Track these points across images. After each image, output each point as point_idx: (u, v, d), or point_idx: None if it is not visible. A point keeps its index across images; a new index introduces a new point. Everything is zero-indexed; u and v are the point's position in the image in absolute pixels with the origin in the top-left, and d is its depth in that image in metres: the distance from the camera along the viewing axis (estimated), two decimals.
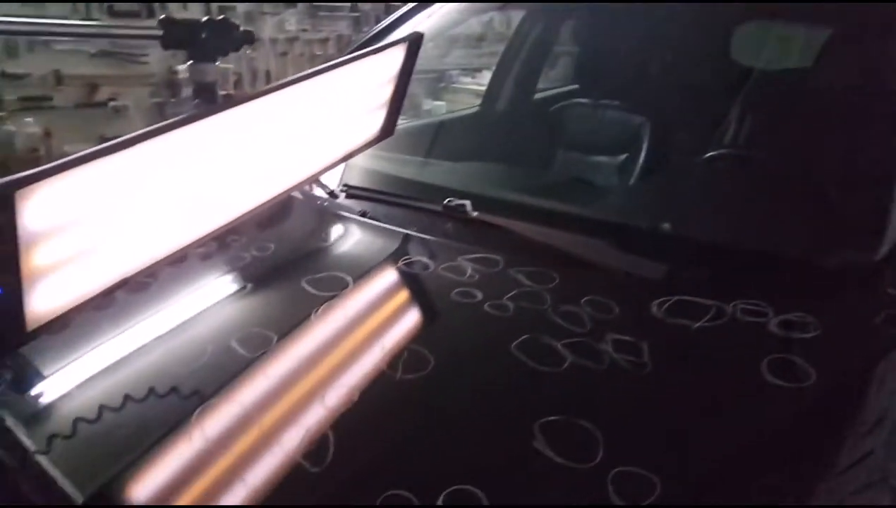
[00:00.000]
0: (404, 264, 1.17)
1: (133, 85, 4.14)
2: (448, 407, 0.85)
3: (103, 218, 0.90)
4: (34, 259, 0.83)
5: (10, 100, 3.52)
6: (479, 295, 1.06)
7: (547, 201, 1.40)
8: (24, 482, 0.83)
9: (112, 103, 4.00)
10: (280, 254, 1.25)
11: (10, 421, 0.88)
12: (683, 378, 0.90)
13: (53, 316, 0.90)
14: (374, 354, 0.93)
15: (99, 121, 3.85)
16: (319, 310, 1.03)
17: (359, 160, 1.74)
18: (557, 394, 0.87)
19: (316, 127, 1.20)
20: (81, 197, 0.85)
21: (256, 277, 1.16)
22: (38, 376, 0.96)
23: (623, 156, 1.72)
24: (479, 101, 2.67)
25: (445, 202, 1.37)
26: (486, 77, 4.44)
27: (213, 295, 1.12)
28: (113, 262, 0.97)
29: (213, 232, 1.07)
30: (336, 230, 1.34)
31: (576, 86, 2.26)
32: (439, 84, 4.33)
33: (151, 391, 0.88)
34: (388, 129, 1.44)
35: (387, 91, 1.37)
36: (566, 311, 1.01)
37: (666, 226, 1.25)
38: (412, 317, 1.05)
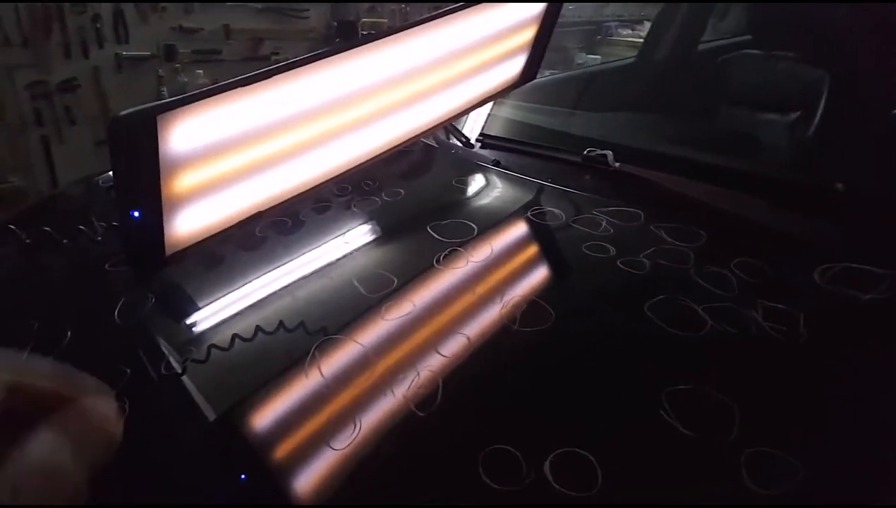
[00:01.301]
0: (533, 214, 1.10)
1: (294, 39, 4.32)
2: (566, 365, 0.79)
3: (242, 149, 0.90)
4: (174, 184, 0.84)
5: (183, 53, 3.79)
6: (612, 250, 0.97)
7: (699, 154, 1.26)
8: (161, 397, 0.88)
9: (274, 56, 4.20)
10: (409, 200, 1.23)
11: (152, 341, 0.93)
12: (843, 355, 0.78)
13: (191, 242, 0.92)
14: (492, 304, 0.88)
15: None
16: (442, 257, 0.99)
17: (500, 110, 1.70)
18: (692, 362, 0.77)
19: (454, 67, 1.15)
20: (222, 126, 0.86)
21: (384, 222, 1.15)
22: (182, 303, 1.00)
23: (795, 112, 1.52)
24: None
25: (585, 152, 1.28)
26: (646, 29, 4.18)
27: (342, 239, 1.12)
28: (249, 194, 0.97)
29: (347, 171, 1.06)
30: (467, 178, 1.29)
31: (748, 37, 2.04)
32: (595, 36, 4.13)
33: (281, 324, 0.89)
34: (529, 74, 1.36)
35: (529, 32, 1.29)
36: (711, 272, 0.90)
37: (838, 185, 1.08)
38: (536, 269, 0.99)
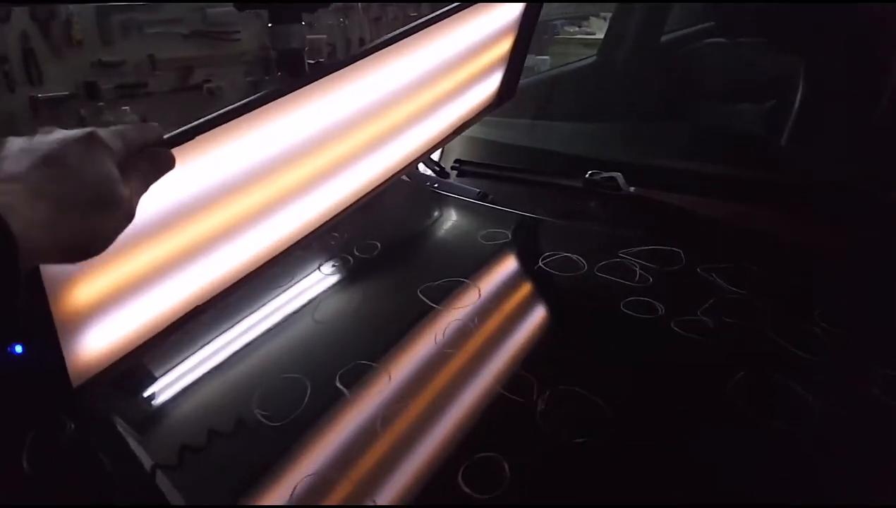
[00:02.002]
0: (546, 263, 0.89)
1: (227, 65, 4.03)
2: (642, 489, 0.57)
3: (162, 232, 0.67)
4: (70, 296, 0.60)
5: (106, 89, 3.46)
6: (661, 308, 0.77)
7: (721, 166, 1.07)
8: None
9: (207, 85, 3.90)
10: (389, 256, 1.00)
11: None
12: None
13: (108, 364, 0.68)
14: (524, 404, 0.66)
15: (195, 105, 3.76)
16: (443, 333, 0.77)
17: (470, 130, 1.48)
18: (816, 475, 0.57)
19: (421, 94, 0.92)
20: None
21: (361, 288, 0.92)
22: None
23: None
24: (591, 52, 2.32)
25: (588, 175, 1.07)
26: (595, 24, 4.03)
27: (311, 315, 0.88)
28: (179, 288, 0.73)
29: (306, 236, 0.83)
30: (453, 221, 1.06)
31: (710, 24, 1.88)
32: (542, 36, 3.95)
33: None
34: (507, 91, 1.15)
35: (504, 46, 1.07)
36: (793, 328, 0.70)
37: None
38: (569, 343, 0.77)
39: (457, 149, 1.37)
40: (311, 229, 0.83)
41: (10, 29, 3.08)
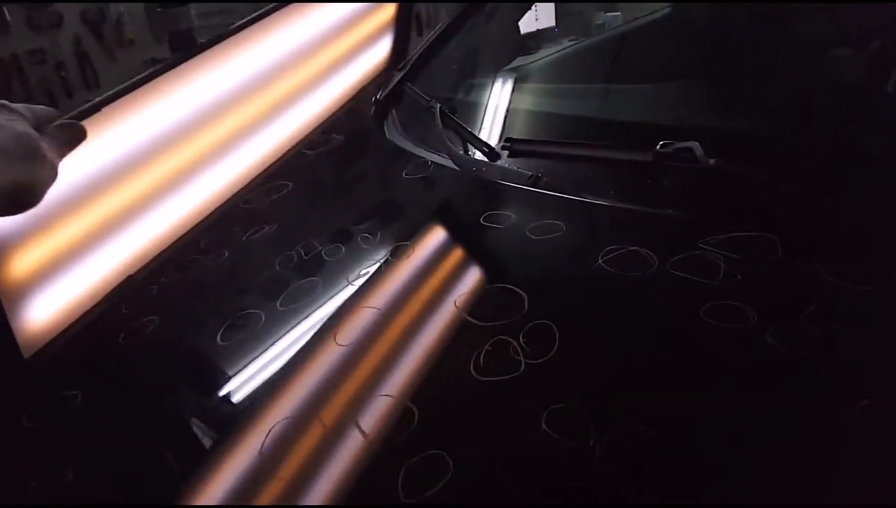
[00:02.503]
0: (607, 261, 0.73)
1: None
2: None
3: (88, 201, 0.77)
4: (9, 267, 0.68)
5: None
6: (753, 315, 0.61)
7: (835, 134, 0.88)
8: None
9: None
10: (425, 259, 0.87)
11: None
12: None
13: (55, 334, 0.76)
14: (559, 442, 0.52)
15: None
16: (482, 356, 0.64)
17: (521, 100, 1.33)
18: None
19: (311, 61, 0.94)
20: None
21: (388, 299, 0.80)
22: None
23: None
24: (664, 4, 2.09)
25: (659, 147, 0.91)
26: None
27: (332, 337, 0.77)
28: (110, 256, 0.83)
29: (223, 204, 0.96)
30: (501, 211, 0.92)
31: None
32: None
33: None
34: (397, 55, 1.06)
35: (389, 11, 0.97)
36: None
37: None
38: (628, 367, 0.61)
39: (510, 125, 1.23)
40: (226, 198, 0.97)
41: (63, 33, 3.11)
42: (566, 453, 0.53)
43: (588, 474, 0.51)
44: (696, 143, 0.88)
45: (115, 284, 0.81)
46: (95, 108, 0.67)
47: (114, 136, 0.74)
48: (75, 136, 0.60)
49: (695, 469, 0.50)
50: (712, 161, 0.85)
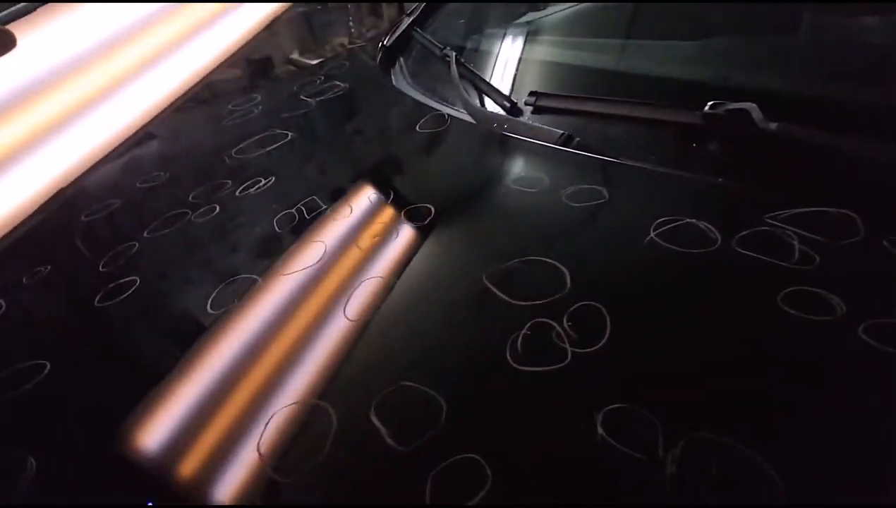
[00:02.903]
0: (659, 235, 0.64)
1: None
2: None
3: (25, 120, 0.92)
4: None
5: None
6: (841, 306, 0.52)
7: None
8: None
9: None
10: (447, 225, 0.77)
11: None
12: None
13: None
14: (624, 454, 0.44)
15: None
16: (520, 340, 0.55)
17: (538, 50, 1.22)
18: None
19: None
20: None
21: (407, 272, 0.70)
22: None
23: None
24: None
25: (709, 107, 0.81)
26: None
27: (340, 308, 0.67)
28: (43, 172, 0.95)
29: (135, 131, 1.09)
30: (530, 174, 0.82)
31: None
32: None
33: None
34: None
35: None
36: None
37: None
38: (695, 363, 0.52)
39: (533, 79, 1.12)
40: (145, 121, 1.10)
41: None
42: (630, 466, 0.44)
43: (658, 492, 0.42)
44: (754, 105, 0.78)
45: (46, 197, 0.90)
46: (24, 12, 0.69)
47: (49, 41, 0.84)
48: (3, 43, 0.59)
49: (785, 489, 0.42)
50: (773, 125, 0.75)
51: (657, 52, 1.13)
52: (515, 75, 1.15)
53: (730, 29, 1.08)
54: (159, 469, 0.55)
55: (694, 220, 0.64)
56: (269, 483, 0.50)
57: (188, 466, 0.54)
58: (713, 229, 0.62)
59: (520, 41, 1.26)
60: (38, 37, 0.82)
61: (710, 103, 0.81)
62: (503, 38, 1.28)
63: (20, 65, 0.83)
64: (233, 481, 0.52)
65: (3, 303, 0.83)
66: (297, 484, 0.50)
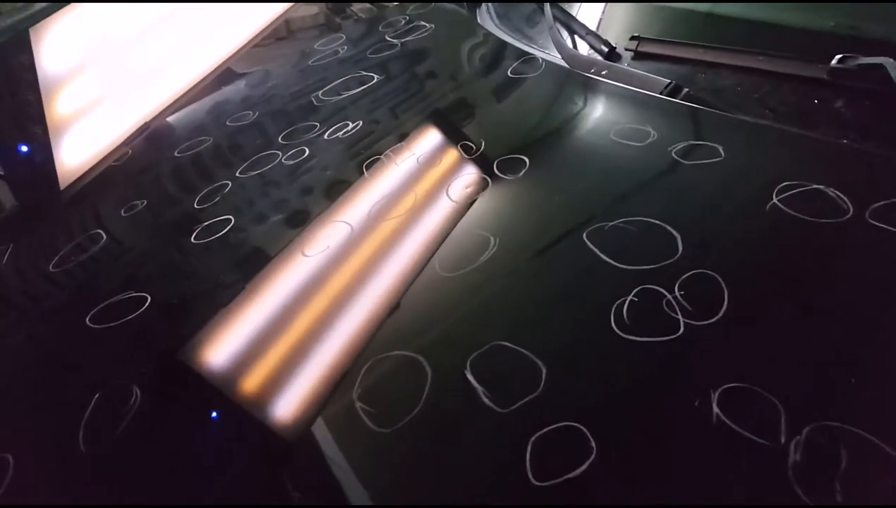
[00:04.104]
0: (783, 200, 0.59)
1: None
2: None
3: (114, 56, 0.91)
4: (57, 107, 0.80)
5: None
6: None
7: None
8: None
9: None
10: (540, 180, 0.74)
11: None
12: None
13: (84, 170, 0.88)
14: (747, 438, 0.41)
15: None
16: (626, 306, 0.52)
17: None
18: None
19: None
20: (92, 34, 0.85)
21: (500, 225, 0.68)
22: None
23: None
24: None
25: (835, 62, 0.74)
26: None
27: (433, 264, 0.66)
28: (131, 105, 0.99)
29: (217, 67, 1.18)
30: (633, 126, 0.77)
31: None
32: None
33: None
34: None
35: None
36: None
37: None
38: (826, 343, 0.48)
39: (634, 22, 1.05)
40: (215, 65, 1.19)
41: None
42: (749, 450, 0.41)
43: (781, 481, 0.40)
44: (890, 59, 0.71)
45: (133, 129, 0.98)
46: None
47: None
48: None
49: None
50: None
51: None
52: (606, 15, 1.09)
53: None
54: (258, 407, 0.56)
55: (822, 187, 0.59)
56: (365, 431, 0.50)
57: (283, 401, 0.55)
58: (844, 198, 0.57)
59: None
60: None
61: (838, 56, 0.74)
62: None
63: (115, 14, 0.85)
64: (329, 425, 0.52)
65: (103, 234, 0.85)
66: (393, 435, 0.49)
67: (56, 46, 0.74)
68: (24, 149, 0.77)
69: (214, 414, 0.58)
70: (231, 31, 1.32)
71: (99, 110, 0.90)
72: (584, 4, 1.15)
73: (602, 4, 1.13)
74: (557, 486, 0.43)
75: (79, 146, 0.88)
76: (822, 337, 0.48)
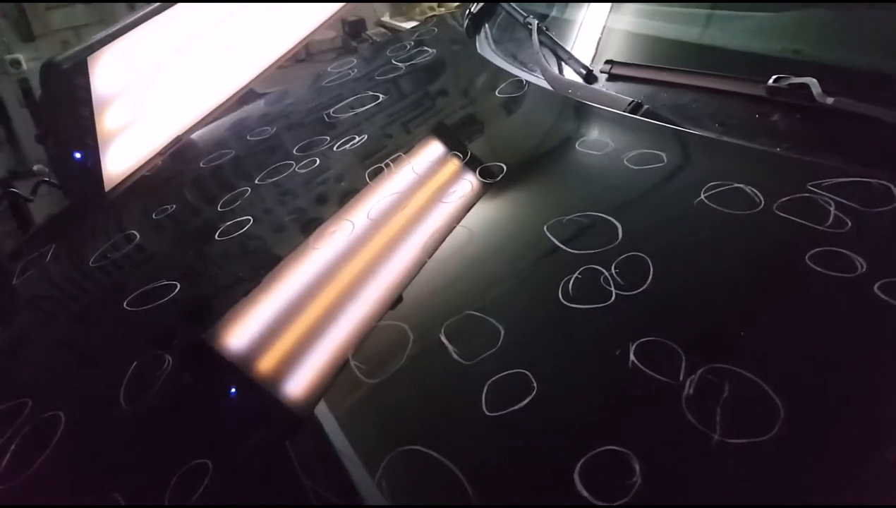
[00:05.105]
0: (709, 196, 0.71)
1: None
2: None
3: (153, 80, 1.08)
4: (106, 122, 0.96)
5: None
6: (861, 264, 0.58)
7: None
8: None
9: None
10: (514, 182, 0.86)
11: None
12: None
13: (125, 176, 1.05)
14: (648, 375, 0.53)
15: None
16: (571, 285, 0.64)
17: (621, 20, 1.26)
18: None
19: None
20: (136, 59, 1.00)
21: (474, 222, 0.80)
22: None
23: None
24: None
25: (772, 81, 0.85)
26: None
27: (418, 247, 0.78)
28: (165, 121, 1.16)
29: (241, 88, 1.37)
30: (596, 138, 0.90)
31: None
32: None
33: None
34: None
35: None
36: None
37: None
38: (724, 308, 0.60)
39: (610, 47, 1.17)
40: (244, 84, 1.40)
41: None
42: (653, 387, 0.53)
43: (675, 410, 0.51)
44: (814, 80, 0.82)
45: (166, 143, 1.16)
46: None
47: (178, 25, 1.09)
48: None
49: (791, 419, 0.49)
50: (831, 100, 0.79)
51: (735, 25, 1.16)
52: (599, 43, 1.21)
53: (812, 2, 1.10)
54: (270, 368, 0.68)
55: (741, 185, 0.71)
56: (357, 382, 0.62)
57: (293, 364, 0.67)
58: (758, 194, 0.69)
59: (603, 9, 1.30)
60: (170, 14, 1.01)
61: (774, 77, 0.86)
62: (587, 6, 1.33)
63: (152, 35, 1.00)
64: (329, 379, 0.64)
65: (137, 234, 0.98)
66: (380, 384, 0.61)
67: (108, 71, 0.88)
68: (78, 155, 0.91)
69: (232, 376, 0.70)
70: (256, 54, 1.46)
71: (138, 126, 1.05)
72: (581, 29, 1.28)
73: (588, 31, 1.26)
74: (504, 416, 0.54)
75: (121, 156, 1.03)
76: (723, 302, 0.60)
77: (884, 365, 0.52)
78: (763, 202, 0.68)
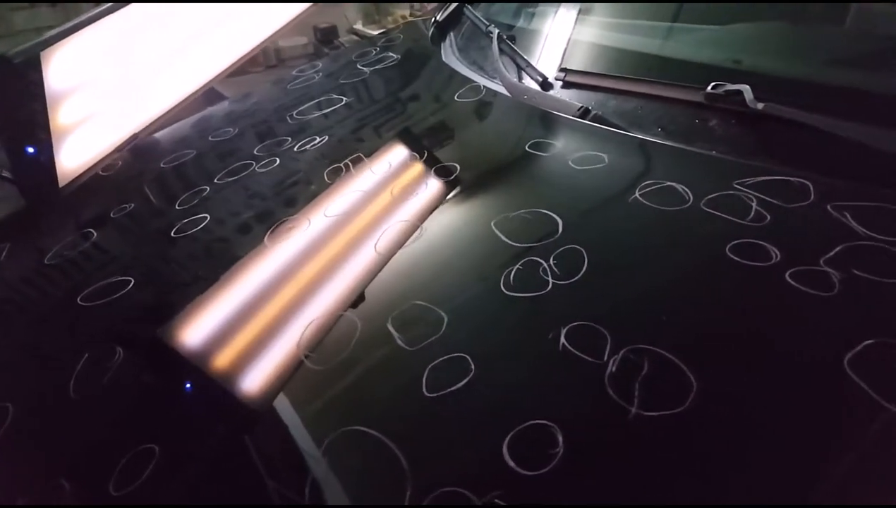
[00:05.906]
0: (643, 194, 0.75)
1: None
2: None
3: (110, 77, 1.09)
4: (59, 117, 0.96)
5: None
6: (776, 254, 0.63)
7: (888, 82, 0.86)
8: None
9: None
10: (466, 181, 0.90)
11: None
12: None
13: (80, 172, 1.06)
14: (576, 355, 0.56)
15: None
16: (513, 275, 0.68)
17: (584, 32, 1.31)
18: None
19: None
20: (92, 56, 1.01)
21: (429, 216, 0.83)
22: None
23: None
24: None
25: (710, 88, 0.90)
26: None
27: (370, 243, 0.81)
28: (123, 119, 1.16)
29: (201, 87, 1.38)
30: (546, 140, 0.94)
31: None
32: None
33: None
34: None
35: None
36: None
37: None
38: (648, 294, 0.64)
39: (568, 56, 1.22)
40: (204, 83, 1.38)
41: None
42: (580, 366, 0.57)
43: (598, 387, 0.55)
44: (747, 87, 0.87)
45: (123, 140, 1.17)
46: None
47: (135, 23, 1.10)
48: None
49: (703, 393, 0.53)
50: (761, 105, 0.84)
51: (686, 37, 1.22)
52: (551, 51, 1.26)
53: (762, 15, 1.16)
54: (222, 356, 0.71)
55: (673, 183, 0.75)
56: (305, 370, 0.65)
57: (244, 354, 0.70)
58: (688, 191, 0.73)
59: (565, 20, 1.35)
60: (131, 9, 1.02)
61: (712, 84, 0.91)
62: (553, 14, 1.38)
63: (113, 40, 1.02)
64: (278, 368, 0.67)
65: (94, 232, 1.00)
66: (327, 372, 0.64)
67: (62, 67, 0.89)
68: (31, 150, 0.92)
69: (182, 365, 0.72)
70: (216, 54, 1.48)
71: (94, 122, 1.06)
72: (541, 38, 1.32)
73: (549, 40, 1.30)
74: (442, 396, 0.58)
75: (76, 152, 1.05)
76: (648, 289, 0.64)
77: (790, 344, 0.57)
78: (692, 199, 0.72)
